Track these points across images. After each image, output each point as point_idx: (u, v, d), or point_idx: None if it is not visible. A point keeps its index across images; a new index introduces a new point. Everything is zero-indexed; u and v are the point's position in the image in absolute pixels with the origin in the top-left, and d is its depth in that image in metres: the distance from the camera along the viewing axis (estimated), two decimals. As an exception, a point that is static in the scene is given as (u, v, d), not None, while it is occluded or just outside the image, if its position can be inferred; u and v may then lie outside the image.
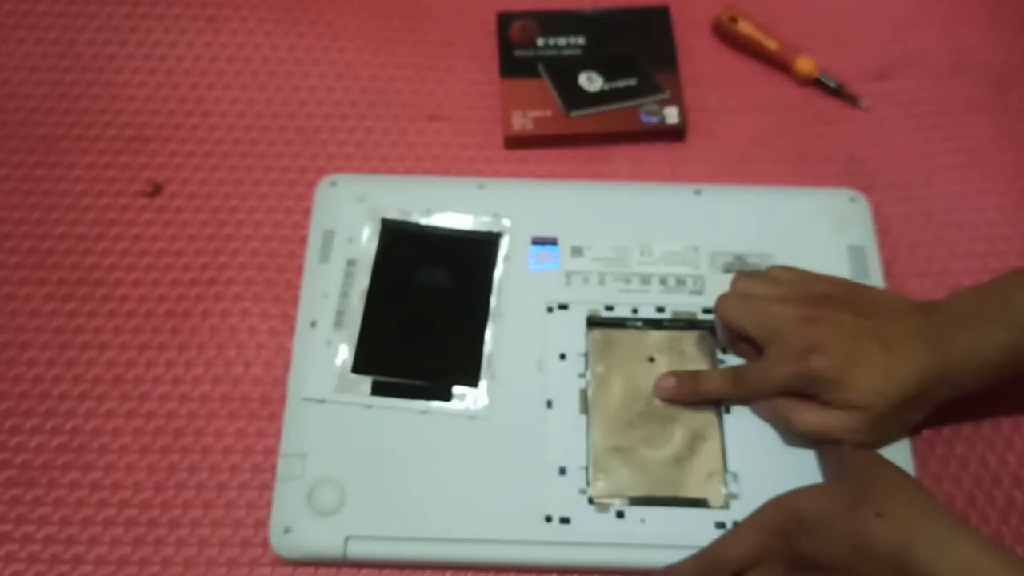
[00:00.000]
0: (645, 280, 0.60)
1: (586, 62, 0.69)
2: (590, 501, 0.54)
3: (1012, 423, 0.59)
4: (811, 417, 0.53)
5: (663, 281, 0.60)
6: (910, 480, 0.50)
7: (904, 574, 0.44)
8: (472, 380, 0.58)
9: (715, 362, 0.58)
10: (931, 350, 0.52)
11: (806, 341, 0.52)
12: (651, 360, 0.58)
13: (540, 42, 0.70)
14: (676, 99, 0.68)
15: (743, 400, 0.56)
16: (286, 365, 0.59)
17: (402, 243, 0.62)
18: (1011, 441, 0.58)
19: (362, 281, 0.60)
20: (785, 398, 0.54)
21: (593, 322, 0.59)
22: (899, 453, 0.55)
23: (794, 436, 0.54)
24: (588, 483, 0.55)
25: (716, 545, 0.50)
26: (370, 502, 0.54)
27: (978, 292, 0.53)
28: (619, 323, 0.59)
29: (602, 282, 0.60)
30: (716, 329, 0.58)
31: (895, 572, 0.45)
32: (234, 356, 0.60)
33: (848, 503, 0.47)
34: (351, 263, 0.61)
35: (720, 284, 0.59)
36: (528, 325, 0.59)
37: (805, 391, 0.53)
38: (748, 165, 0.67)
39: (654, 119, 0.67)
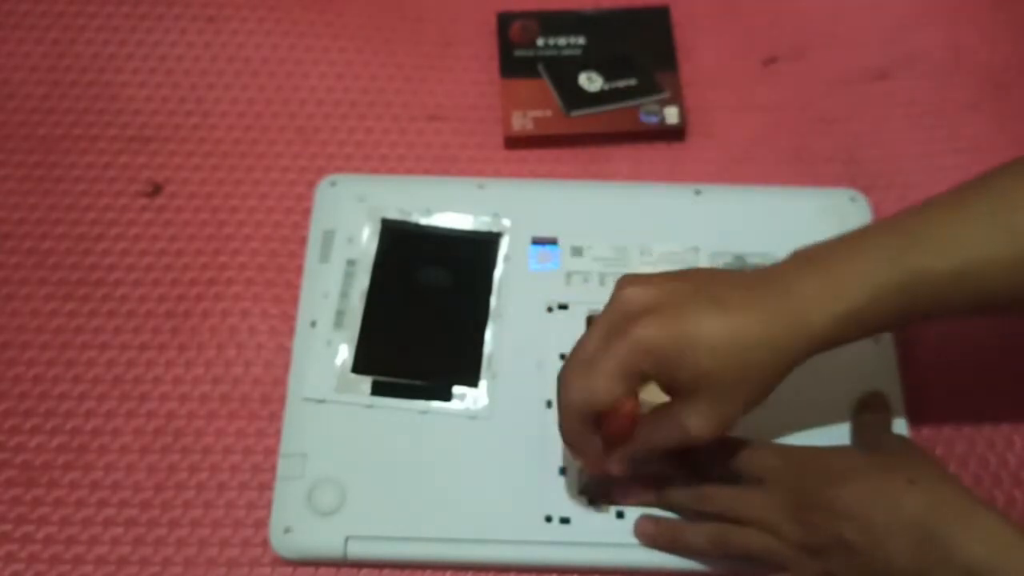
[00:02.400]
0: (645, 280, 0.60)
1: (586, 62, 0.69)
2: (590, 501, 0.54)
3: (1012, 423, 0.59)
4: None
5: (663, 281, 0.60)
6: (940, 463, 0.49)
7: (926, 541, 0.44)
8: (472, 380, 0.58)
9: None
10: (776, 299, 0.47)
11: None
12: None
13: (540, 42, 0.70)
14: (676, 99, 0.68)
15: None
16: (286, 365, 0.59)
17: (402, 243, 0.62)
18: (1011, 441, 0.58)
19: (362, 281, 0.60)
20: None
21: (593, 322, 0.59)
22: (899, 453, 0.56)
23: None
24: (588, 483, 0.55)
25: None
26: (370, 502, 0.54)
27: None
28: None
29: (602, 282, 0.60)
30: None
31: (916, 538, 0.44)
32: (234, 356, 0.60)
33: (881, 467, 0.47)
34: (351, 263, 0.61)
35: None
36: (528, 325, 0.59)
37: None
38: (748, 165, 0.67)
39: (654, 119, 0.67)
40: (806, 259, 0.48)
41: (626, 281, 0.48)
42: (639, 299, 0.46)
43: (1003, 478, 0.57)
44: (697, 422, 0.46)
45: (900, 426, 0.56)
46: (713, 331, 0.45)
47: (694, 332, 0.45)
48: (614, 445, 0.49)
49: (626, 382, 0.46)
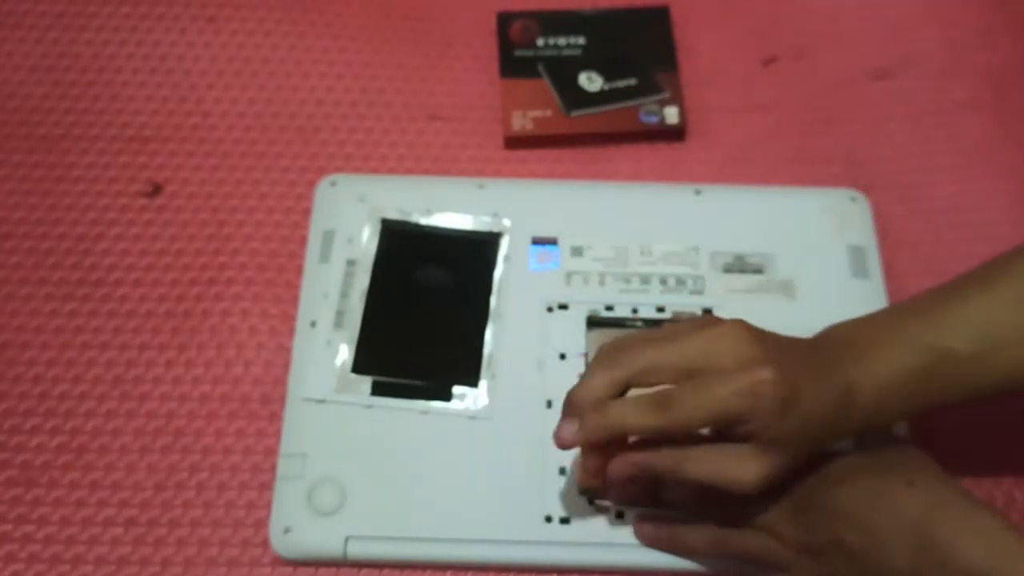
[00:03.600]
0: (645, 280, 0.60)
1: (586, 62, 0.69)
2: (590, 501, 0.54)
3: (1012, 422, 0.59)
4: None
5: (663, 281, 0.60)
6: (939, 467, 0.49)
7: (924, 544, 0.44)
8: (472, 380, 0.58)
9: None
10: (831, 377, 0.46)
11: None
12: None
13: (540, 42, 0.70)
14: (676, 99, 0.68)
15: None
16: (286, 365, 0.59)
17: (402, 243, 0.62)
18: (1011, 441, 0.58)
19: (362, 281, 0.60)
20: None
21: (593, 322, 0.59)
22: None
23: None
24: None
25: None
26: (370, 502, 0.54)
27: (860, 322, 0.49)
28: (619, 323, 0.59)
29: (602, 282, 0.60)
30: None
31: (914, 541, 0.44)
32: (234, 356, 0.60)
33: (880, 468, 0.47)
34: (351, 263, 0.61)
35: (720, 284, 0.59)
36: (528, 325, 0.59)
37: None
38: (748, 165, 0.67)
39: (654, 119, 0.67)
40: (847, 341, 0.48)
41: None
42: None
43: (1003, 478, 0.57)
44: (757, 470, 0.45)
45: (900, 427, 0.56)
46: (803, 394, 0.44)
47: (800, 388, 0.44)
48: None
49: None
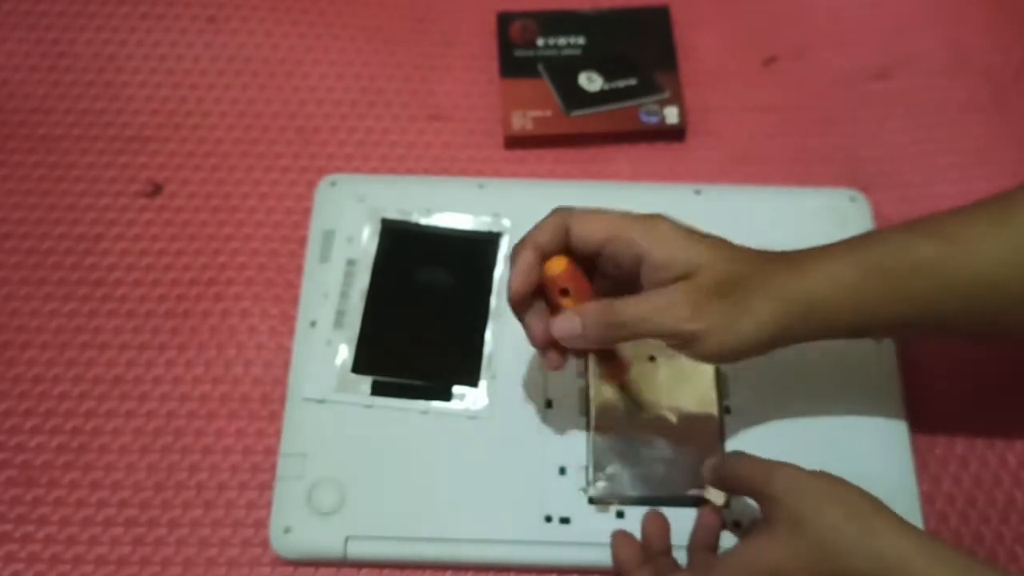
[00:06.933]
0: (645, 280, 0.60)
1: (586, 62, 0.69)
2: (590, 501, 0.54)
3: (1012, 423, 0.59)
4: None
5: (663, 281, 0.60)
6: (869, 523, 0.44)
7: None
8: (472, 380, 0.58)
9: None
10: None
11: None
12: (651, 359, 0.58)
13: (540, 42, 0.70)
14: (676, 99, 0.68)
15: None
16: (286, 365, 0.59)
17: (402, 243, 0.62)
18: (1011, 441, 0.58)
19: (362, 281, 0.60)
20: None
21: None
22: (899, 452, 0.56)
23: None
24: (588, 483, 0.55)
25: None
26: (370, 502, 0.54)
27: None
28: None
29: (602, 282, 0.60)
30: None
31: None
32: (234, 356, 0.60)
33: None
34: (351, 263, 0.61)
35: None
36: (528, 325, 0.59)
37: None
38: (748, 165, 0.67)
39: (654, 119, 0.67)
40: (807, 249, 0.49)
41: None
42: None
43: (1003, 478, 0.57)
44: (678, 296, 0.46)
45: (900, 427, 0.56)
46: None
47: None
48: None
49: None
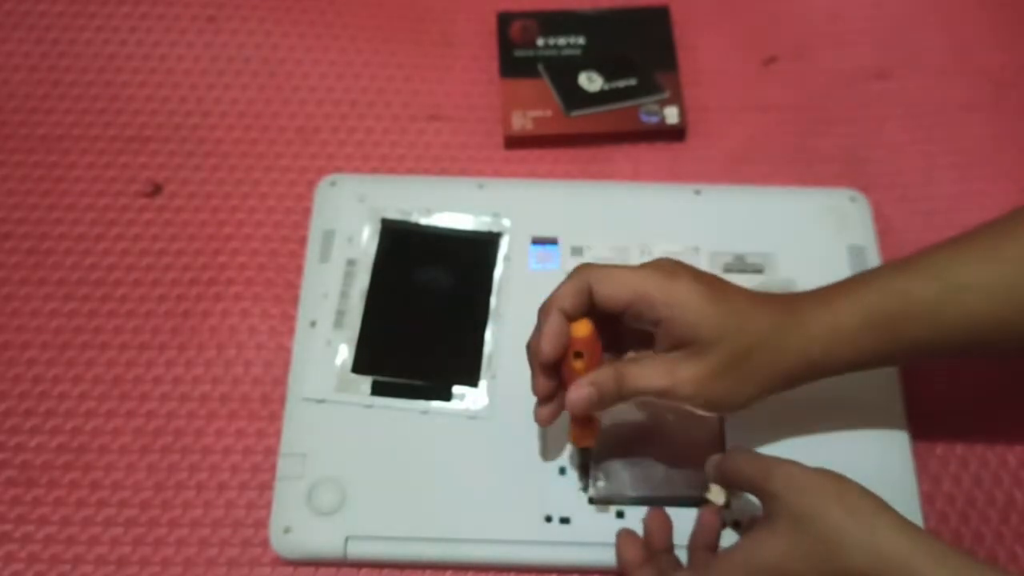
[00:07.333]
0: (645, 280, 0.60)
1: (586, 62, 0.69)
2: (590, 501, 0.54)
3: (1012, 423, 0.59)
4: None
5: (663, 281, 0.60)
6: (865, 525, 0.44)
7: None
8: (472, 380, 0.58)
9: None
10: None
11: None
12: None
13: (540, 42, 0.70)
14: (676, 99, 0.68)
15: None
16: (286, 365, 0.59)
17: (402, 243, 0.62)
18: (1011, 441, 0.58)
19: (362, 281, 0.60)
20: None
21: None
22: (900, 452, 0.56)
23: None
24: (588, 483, 0.55)
25: None
26: (370, 502, 0.54)
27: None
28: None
29: (602, 282, 0.60)
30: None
31: None
32: (234, 356, 0.60)
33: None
34: (351, 263, 0.61)
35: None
36: (528, 325, 0.58)
37: None
38: (748, 165, 0.67)
39: (654, 119, 0.67)
40: (809, 292, 0.50)
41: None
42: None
43: (1003, 478, 0.57)
44: (687, 374, 0.47)
45: (900, 428, 0.56)
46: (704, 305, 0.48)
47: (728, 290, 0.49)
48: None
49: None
